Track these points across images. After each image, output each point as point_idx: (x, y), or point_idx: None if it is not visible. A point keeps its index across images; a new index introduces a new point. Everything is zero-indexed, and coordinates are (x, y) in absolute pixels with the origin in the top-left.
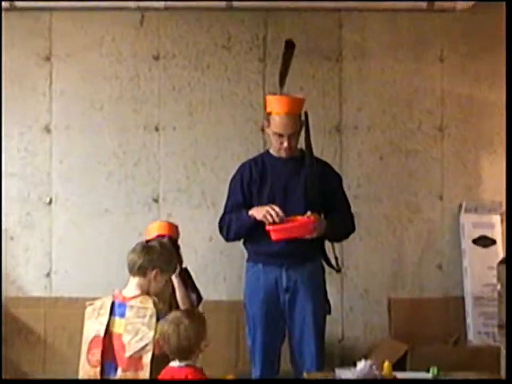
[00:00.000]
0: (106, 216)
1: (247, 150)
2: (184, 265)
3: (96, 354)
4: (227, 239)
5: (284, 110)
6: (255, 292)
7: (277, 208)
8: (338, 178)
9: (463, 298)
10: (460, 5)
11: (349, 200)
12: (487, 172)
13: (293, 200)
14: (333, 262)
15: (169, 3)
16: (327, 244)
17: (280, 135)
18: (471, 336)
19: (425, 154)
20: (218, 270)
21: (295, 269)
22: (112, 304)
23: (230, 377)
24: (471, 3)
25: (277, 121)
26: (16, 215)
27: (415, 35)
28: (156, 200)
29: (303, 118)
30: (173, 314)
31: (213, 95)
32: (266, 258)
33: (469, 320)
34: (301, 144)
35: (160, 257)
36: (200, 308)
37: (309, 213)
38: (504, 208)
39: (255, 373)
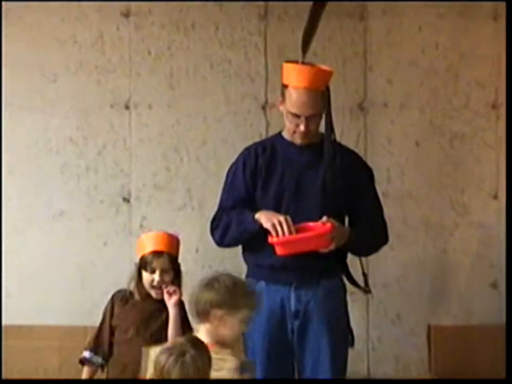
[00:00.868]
0: (61, 220)
1: (244, 135)
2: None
3: None
4: (221, 243)
5: (303, 83)
6: (255, 317)
7: (290, 221)
8: (369, 173)
9: None
10: None
11: (381, 203)
12: None
13: (307, 200)
14: (360, 280)
15: None
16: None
17: (297, 116)
18: None
19: (475, 139)
20: None
21: (308, 287)
22: None
23: None
24: None
25: (294, 98)
26: None
27: None
28: (127, 200)
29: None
30: (172, 344)
31: (200, 62)
32: (270, 273)
33: None
34: (321, 128)
35: (229, 296)
36: None
37: (325, 218)
38: None
39: None
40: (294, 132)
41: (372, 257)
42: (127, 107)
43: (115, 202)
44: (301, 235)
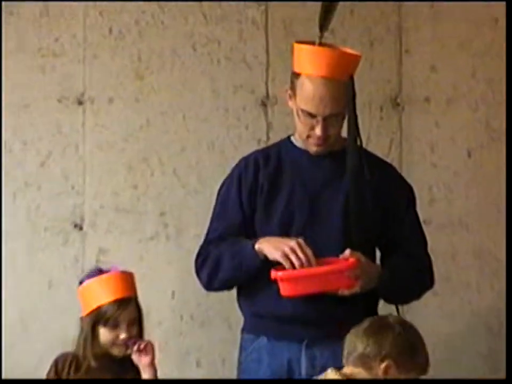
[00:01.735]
0: None
1: (237, 140)
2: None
3: None
4: (209, 286)
5: (321, 71)
6: None
7: (306, 247)
8: (408, 193)
9: None
10: None
11: (424, 232)
12: None
13: (324, 228)
14: None
15: None
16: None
17: (311, 115)
18: None
19: None
20: (188, 347)
21: (324, 346)
22: None
23: None
24: None
25: (309, 91)
26: None
27: None
28: (79, 226)
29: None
30: None
31: (179, 43)
32: (274, 326)
33: None
34: (343, 132)
35: (395, 344)
36: None
37: (347, 252)
38: None
39: None
40: (308, 137)
41: (410, 306)
42: (80, 102)
43: (63, 229)
44: (316, 269)
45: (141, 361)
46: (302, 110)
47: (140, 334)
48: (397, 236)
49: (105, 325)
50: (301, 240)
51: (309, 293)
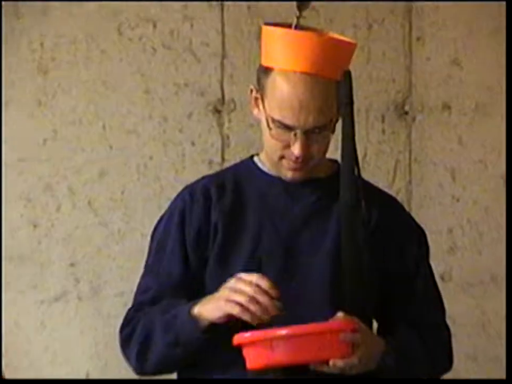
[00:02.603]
0: None
1: (179, 159)
2: None
3: None
4: (140, 371)
5: (302, 65)
6: None
7: (266, 283)
8: (419, 240)
9: None
10: None
11: (441, 295)
12: None
13: (304, 286)
14: None
15: None
16: None
17: (287, 127)
18: None
19: None
20: None
21: None
22: None
23: None
24: None
25: (283, 92)
26: None
27: None
28: None
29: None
30: None
31: (97, 23)
32: None
33: None
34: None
35: None
36: None
37: (340, 314)
38: None
39: None
40: (282, 158)
41: None
42: None
43: None
44: (298, 328)
45: None
46: (274, 120)
47: None
48: (402, 299)
49: None
50: (239, 274)
51: (287, 363)
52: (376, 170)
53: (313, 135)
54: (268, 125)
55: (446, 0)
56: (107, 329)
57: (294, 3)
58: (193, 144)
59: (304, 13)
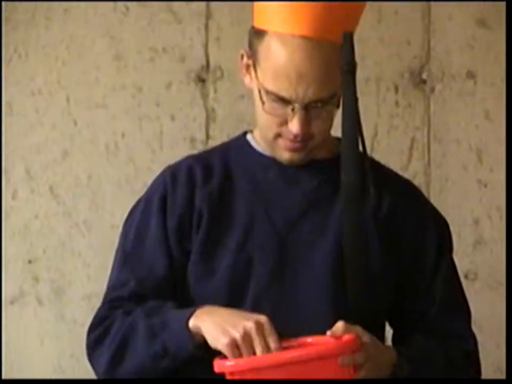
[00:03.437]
0: None
1: (157, 137)
2: None
3: None
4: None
5: (302, 27)
6: None
7: (272, 333)
8: (441, 231)
9: None
10: None
11: (465, 296)
12: None
13: (302, 285)
14: None
15: None
16: None
17: (284, 101)
18: None
19: None
20: None
21: None
22: None
23: None
24: None
25: (280, 60)
26: None
27: None
28: None
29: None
30: None
31: None
32: None
33: None
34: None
35: None
36: None
37: (340, 324)
38: None
39: None
40: (278, 137)
41: None
42: None
43: None
44: (290, 354)
45: None
46: (268, 92)
47: None
48: (421, 301)
49: None
50: (263, 320)
51: None
52: (388, 150)
53: (314, 110)
54: (261, 98)
55: None
56: (72, 338)
57: None
58: (172, 118)
59: None
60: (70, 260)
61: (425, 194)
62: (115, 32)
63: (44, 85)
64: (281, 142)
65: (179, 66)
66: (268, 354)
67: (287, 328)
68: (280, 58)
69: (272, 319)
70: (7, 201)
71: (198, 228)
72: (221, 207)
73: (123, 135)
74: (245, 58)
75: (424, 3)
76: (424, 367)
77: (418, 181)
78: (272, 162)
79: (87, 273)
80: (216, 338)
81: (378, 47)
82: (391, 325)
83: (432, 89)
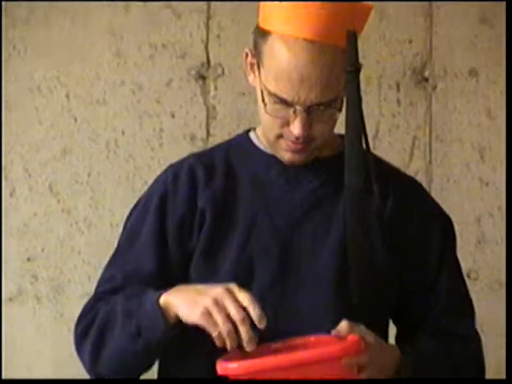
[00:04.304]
0: None
1: (157, 134)
2: None
3: None
4: (93, 372)
5: (306, 30)
6: None
7: (257, 313)
8: (444, 229)
9: None
10: None
11: (470, 295)
12: None
13: (305, 286)
14: None
15: None
16: None
17: (286, 103)
18: None
19: None
20: None
21: None
22: None
23: None
24: None
25: (283, 62)
26: None
27: None
28: None
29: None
30: None
31: None
32: None
33: None
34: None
35: None
36: None
37: (344, 325)
38: None
39: None
40: (279, 137)
41: None
42: None
43: None
44: (294, 356)
45: None
46: (271, 94)
47: None
48: (424, 299)
49: None
50: (231, 284)
51: None
52: (389, 149)
53: (316, 113)
54: (263, 99)
55: None
56: (71, 336)
57: None
58: (172, 116)
59: None
60: (69, 258)
61: (429, 191)
62: (115, 29)
63: (43, 82)
64: (282, 142)
65: (179, 64)
66: (272, 357)
67: (289, 327)
68: (283, 61)
69: (275, 318)
70: (6, 199)
71: (200, 228)
72: (224, 207)
73: (123, 133)
74: (250, 57)
75: (426, 2)
76: (429, 366)
77: (419, 180)
78: (274, 161)
79: (86, 272)
80: (189, 310)
81: (380, 45)
82: (395, 323)
83: (434, 88)
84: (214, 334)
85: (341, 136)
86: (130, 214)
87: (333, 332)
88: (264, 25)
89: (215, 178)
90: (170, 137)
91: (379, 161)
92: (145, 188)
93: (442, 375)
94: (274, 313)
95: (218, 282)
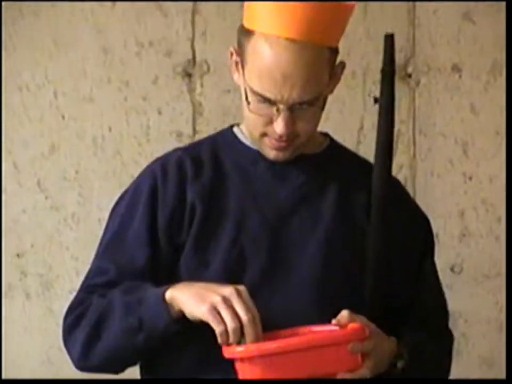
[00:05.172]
0: None
1: (143, 130)
2: None
3: None
4: (82, 362)
5: (290, 30)
6: None
7: (246, 293)
8: (425, 230)
9: None
10: None
11: (444, 295)
12: None
13: (293, 278)
14: None
15: None
16: None
17: (269, 101)
18: None
19: None
20: None
21: None
22: None
23: None
24: None
25: (266, 60)
26: None
27: None
28: None
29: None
30: None
31: None
32: None
33: None
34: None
35: None
36: None
37: (345, 313)
38: None
39: None
40: (263, 135)
41: None
42: None
43: None
44: (299, 340)
45: None
46: (254, 92)
47: None
48: (406, 297)
49: None
50: (241, 287)
51: (287, 378)
52: (373, 144)
53: (299, 111)
54: (247, 98)
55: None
56: (60, 331)
57: None
58: (159, 113)
59: None
60: (58, 254)
61: (411, 187)
62: (102, 26)
63: (31, 79)
64: (267, 140)
65: (165, 61)
66: (279, 340)
67: (280, 319)
68: (266, 59)
69: (266, 310)
70: None
71: (190, 222)
72: (214, 201)
73: (110, 129)
74: (234, 56)
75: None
76: (418, 359)
77: (403, 174)
78: (260, 156)
79: (75, 267)
80: (195, 305)
81: (363, 40)
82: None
83: (418, 83)
84: (218, 330)
85: (322, 133)
86: (117, 204)
87: (334, 321)
88: (248, 25)
89: (203, 172)
90: (157, 134)
91: (360, 159)
92: None
93: (428, 366)
94: (265, 303)
95: (209, 276)
